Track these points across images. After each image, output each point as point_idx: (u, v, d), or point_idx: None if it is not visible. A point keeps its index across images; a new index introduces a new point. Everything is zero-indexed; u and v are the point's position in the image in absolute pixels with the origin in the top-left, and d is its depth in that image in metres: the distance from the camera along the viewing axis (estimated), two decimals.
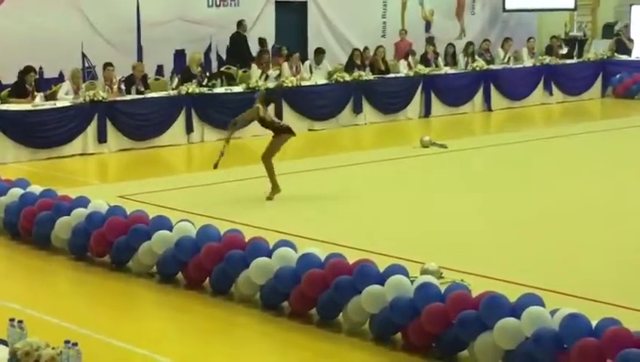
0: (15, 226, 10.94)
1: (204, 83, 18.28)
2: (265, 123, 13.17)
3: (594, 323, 6.89)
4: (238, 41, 21.58)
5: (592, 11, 28.85)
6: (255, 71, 19.62)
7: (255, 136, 16.23)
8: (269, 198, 12.90)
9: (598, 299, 8.62)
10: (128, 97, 17.44)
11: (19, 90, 16.72)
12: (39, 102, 16.54)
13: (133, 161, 16.51)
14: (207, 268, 9.10)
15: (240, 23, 21.74)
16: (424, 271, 8.86)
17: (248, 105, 13.77)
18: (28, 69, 16.89)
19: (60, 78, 18.82)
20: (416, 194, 13.60)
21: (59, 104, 16.64)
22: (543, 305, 7.20)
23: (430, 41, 24.03)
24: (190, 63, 19.02)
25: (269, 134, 13.36)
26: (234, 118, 13.31)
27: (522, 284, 8.74)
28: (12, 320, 5.97)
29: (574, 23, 28.24)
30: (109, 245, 9.87)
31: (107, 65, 17.60)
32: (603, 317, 6.98)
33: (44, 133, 16.18)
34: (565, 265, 9.99)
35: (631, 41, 26.28)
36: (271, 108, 13.98)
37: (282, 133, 13.09)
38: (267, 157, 13.00)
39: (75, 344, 5.74)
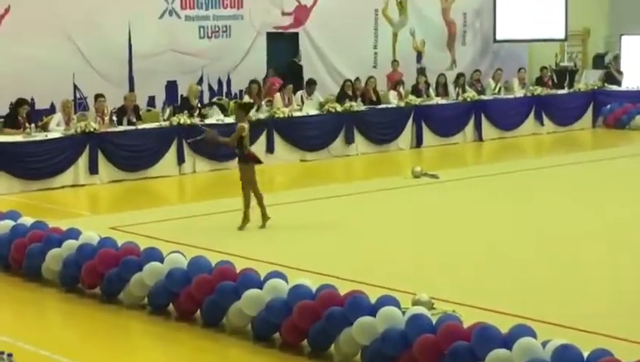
0: (6, 258, 10.92)
1: (195, 114, 18.28)
2: (241, 145, 12.94)
3: (586, 354, 6.87)
4: (294, 69, 22.67)
5: (583, 42, 28.98)
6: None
7: None
8: (241, 229, 12.97)
9: (590, 330, 8.60)
10: (120, 128, 17.44)
11: (11, 122, 16.73)
12: (31, 134, 16.51)
13: (125, 193, 16.49)
14: (198, 299, 9.07)
15: (297, 53, 22.82)
16: (415, 302, 8.85)
17: None
18: (20, 102, 16.92)
19: (52, 110, 18.81)
20: (408, 225, 13.59)
21: (50, 135, 16.65)
22: (534, 336, 7.19)
23: (421, 71, 24.15)
24: (189, 94, 19.04)
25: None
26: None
27: (514, 315, 8.74)
28: (2, 352, 5.96)
29: (565, 54, 28.33)
30: (100, 277, 9.85)
31: (98, 96, 17.64)
32: (595, 348, 6.97)
33: (35, 164, 16.18)
34: (557, 296, 9.96)
35: (620, 73, 26.42)
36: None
37: (250, 160, 13.04)
38: (256, 187, 12.99)
39: None
